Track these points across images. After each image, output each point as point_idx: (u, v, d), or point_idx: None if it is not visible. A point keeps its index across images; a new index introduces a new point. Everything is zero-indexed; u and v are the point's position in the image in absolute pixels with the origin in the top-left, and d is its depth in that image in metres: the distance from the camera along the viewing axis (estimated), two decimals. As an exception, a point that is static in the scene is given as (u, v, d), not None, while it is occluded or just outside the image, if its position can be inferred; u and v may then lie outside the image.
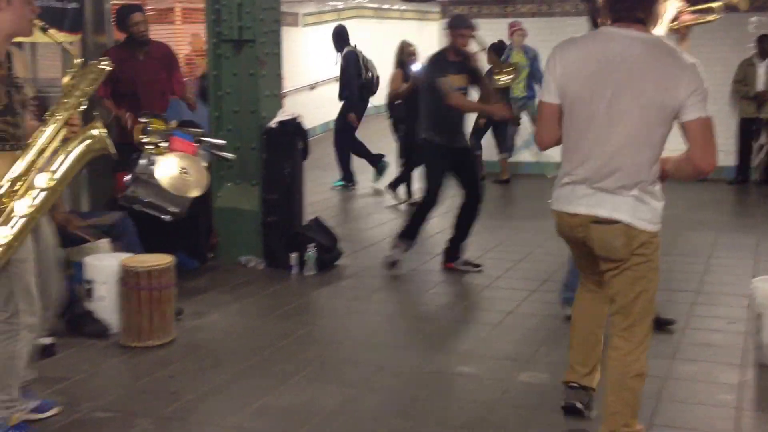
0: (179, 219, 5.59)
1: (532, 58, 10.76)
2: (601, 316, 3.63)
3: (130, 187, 5.40)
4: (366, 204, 9.56)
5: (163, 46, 6.57)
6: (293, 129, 6.65)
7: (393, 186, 9.45)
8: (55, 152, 3.36)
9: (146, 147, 5.47)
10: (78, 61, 3.50)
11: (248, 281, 6.20)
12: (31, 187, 3.30)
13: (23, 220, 3.27)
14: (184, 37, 10.97)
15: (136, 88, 6.05)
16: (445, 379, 4.35)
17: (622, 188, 3.14)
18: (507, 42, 10.91)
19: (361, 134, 10.32)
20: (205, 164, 5.67)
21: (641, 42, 3.09)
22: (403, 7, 17.48)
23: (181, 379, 4.31)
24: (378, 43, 17.76)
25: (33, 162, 3.32)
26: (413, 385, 4.27)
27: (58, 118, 3.38)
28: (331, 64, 11.14)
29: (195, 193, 5.40)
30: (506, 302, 5.64)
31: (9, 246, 3.26)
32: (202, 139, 5.96)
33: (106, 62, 3.54)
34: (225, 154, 6.19)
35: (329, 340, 5.02)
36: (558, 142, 3.35)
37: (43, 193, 3.31)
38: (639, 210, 3.13)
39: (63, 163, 3.36)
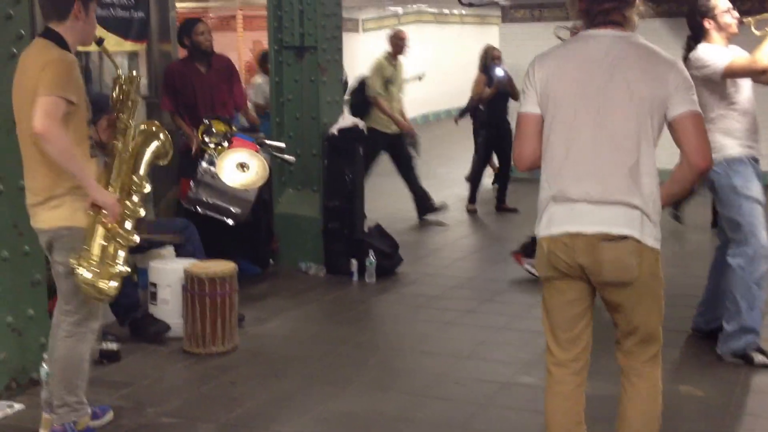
0: (241, 225, 5.65)
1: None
2: (580, 406, 3.08)
3: (192, 189, 5.49)
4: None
5: (224, 58, 6.66)
6: (354, 135, 6.67)
7: (473, 191, 9.42)
8: (135, 157, 3.64)
9: (208, 148, 5.56)
10: (119, 72, 3.69)
11: (309, 287, 6.23)
12: (129, 189, 3.57)
13: (132, 218, 3.56)
14: (245, 45, 11.10)
15: (197, 100, 6.14)
16: (506, 389, 4.31)
17: (629, 196, 2.79)
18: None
19: (436, 137, 10.32)
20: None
21: (621, 39, 2.88)
22: (464, 12, 17.43)
23: (243, 385, 4.35)
24: (438, 47, 17.77)
25: (120, 169, 3.58)
26: (474, 394, 4.24)
27: (125, 128, 3.62)
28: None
29: (257, 184, 5.47)
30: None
31: (127, 245, 3.53)
32: (264, 142, 6.03)
33: (135, 73, 3.76)
34: (286, 156, 6.25)
35: (390, 347, 5.01)
36: (538, 161, 2.96)
37: (137, 194, 3.60)
38: (646, 226, 2.81)
39: (142, 167, 3.65)
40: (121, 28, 6.11)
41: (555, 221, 2.88)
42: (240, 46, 10.85)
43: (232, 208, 5.52)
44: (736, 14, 4.54)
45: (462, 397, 4.20)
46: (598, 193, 2.80)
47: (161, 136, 3.74)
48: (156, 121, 3.89)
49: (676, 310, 5.61)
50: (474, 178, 9.43)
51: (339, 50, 6.87)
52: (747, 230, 4.42)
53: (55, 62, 3.34)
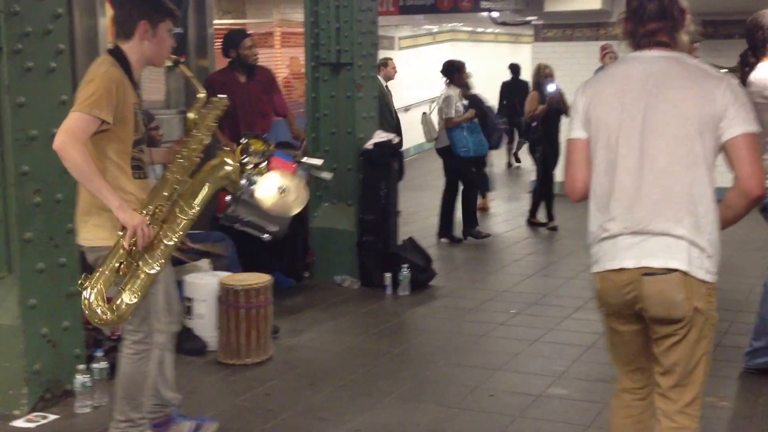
0: (277, 238, 5.71)
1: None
2: (649, 430, 2.90)
3: (230, 207, 5.55)
4: (460, 225, 9.55)
5: (265, 70, 6.75)
6: (389, 150, 6.73)
7: (532, 212, 9.45)
8: (194, 183, 3.50)
9: (246, 167, 5.62)
10: (202, 95, 3.60)
11: (343, 300, 6.28)
12: (175, 216, 3.42)
13: (170, 246, 3.41)
14: (282, 61, 11.22)
15: (236, 110, 6.22)
16: (539, 401, 4.31)
17: (675, 225, 2.59)
18: (599, 64, 10.82)
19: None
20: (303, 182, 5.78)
21: (664, 58, 2.71)
22: (497, 30, 17.47)
23: (277, 396, 4.39)
24: (472, 65, 17.81)
25: (172, 192, 3.44)
26: (507, 406, 4.24)
27: (189, 152, 3.51)
28: (426, 85, 11.18)
29: (295, 210, 5.51)
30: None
31: (158, 273, 3.39)
32: (301, 160, 6.09)
33: (224, 97, 3.68)
34: (323, 174, 6.31)
35: (424, 359, 5.03)
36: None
37: (186, 222, 3.44)
38: (695, 257, 2.60)
39: (200, 194, 3.49)
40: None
41: (602, 257, 2.72)
42: (277, 61, 10.98)
43: (269, 227, 5.58)
44: None
45: (495, 408, 4.21)
46: (640, 224, 2.63)
47: (229, 167, 3.59)
48: (256, 140, 3.77)
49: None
50: (536, 195, 9.40)
51: (375, 67, 6.97)
52: None
53: (95, 80, 3.27)
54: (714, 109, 2.60)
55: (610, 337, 2.86)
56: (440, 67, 9.04)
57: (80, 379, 4.10)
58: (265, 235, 5.58)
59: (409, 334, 5.70)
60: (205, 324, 5.02)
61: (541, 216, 9.34)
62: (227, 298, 4.84)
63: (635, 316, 2.72)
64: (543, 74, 9.27)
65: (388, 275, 6.42)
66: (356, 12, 6.66)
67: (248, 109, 6.28)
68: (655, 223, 2.61)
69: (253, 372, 4.73)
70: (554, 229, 9.09)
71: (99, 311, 3.29)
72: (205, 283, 5.06)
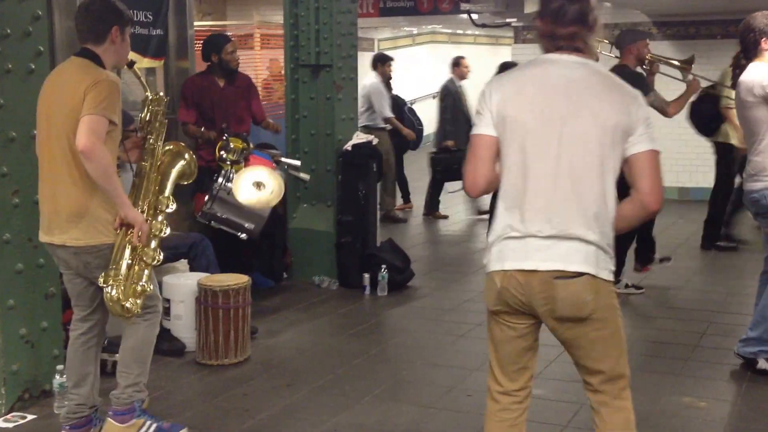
0: (255, 239, 5.72)
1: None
2: None
3: (207, 204, 5.56)
4: (438, 226, 9.59)
5: (244, 76, 6.75)
6: (368, 152, 6.76)
7: None
8: (161, 177, 3.75)
9: (225, 164, 5.65)
10: (148, 94, 3.78)
11: (322, 301, 6.30)
12: (160, 210, 3.69)
13: (161, 238, 3.69)
14: (262, 62, 11.23)
15: (214, 114, 6.23)
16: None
17: (586, 231, 2.64)
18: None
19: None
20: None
21: (583, 65, 2.73)
22: (477, 32, 17.54)
23: (255, 397, 4.40)
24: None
25: (148, 189, 3.68)
26: (485, 406, 4.24)
27: (153, 148, 3.73)
28: (406, 87, 11.21)
29: (272, 203, 5.53)
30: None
31: (152, 263, 3.64)
32: (280, 159, 6.11)
33: (162, 95, 3.86)
34: (302, 174, 6.33)
35: (402, 359, 5.06)
36: (491, 186, 2.79)
37: (163, 214, 3.72)
38: (601, 259, 2.68)
39: (168, 185, 3.76)
40: (140, 45, 6.21)
41: (509, 255, 2.71)
42: (257, 63, 10.98)
43: (246, 224, 5.59)
44: None
45: (473, 408, 4.24)
46: (554, 228, 2.65)
47: (186, 156, 3.85)
48: (181, 142, 3.99)
49: (686, 324, 5.68)
50: None
51: (354, 69, 6.97)
52: None
53: (103, 82, 3.41)
54: (628, 123, 2.65)
55: (499, 334, 2.84)
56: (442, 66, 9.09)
57: (59, 379, 4.09)
58: (242, 234, 5.59)
59: (387, 335, 5.73)
60: (183, 325, 5.02)
61: None
62: (205, 299, 4.85)
63: (529, 314, 2.76)
64: (686, 71, 8.99)
65: (366, 276, 6.45)
66: (336, 14, 6.68)
67: (226, 114, 6.28)
68: (567, 228, 2.64)
69: (231, 372, 4.74)
70: None
71: (128, 305, 3.52)
72: (183, 283, 5.07)
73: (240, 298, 4.87)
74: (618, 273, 6.24)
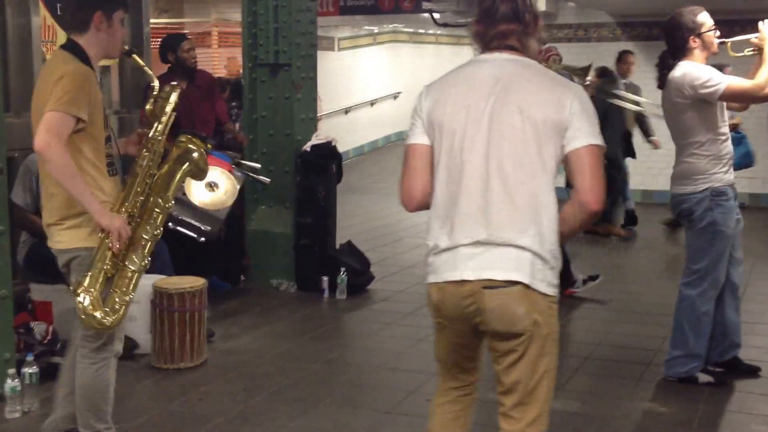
0: (212, 241, 5.63)
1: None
2: (468, 427, 2.85)
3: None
4: (399, 228, 9.55)
5: (206, 74, 6.65)
6: (327, 152, 6.69)
7: None
8: (165, 176, 3.47)
9: None
10: (155, 84, 3.53)
11: (280, 304, 6.22)
12: (152, 211, 3.39)
13: (151, 242, 3.39)
14: (220, 61, 11.11)
15: (178, 116, 6.11)
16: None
17: (519, 235, 2.46)
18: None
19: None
20: (238, 186, 5.71)
21: (513, 61, 2.60)
22: (439, 32, 17.55)
23: (211, 401, 4.32)
24: (413, 66, 17.86)
25: (144, 186, 3.39)
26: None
27: (154, 143, 3.46)
28: (367, 87, 11.15)
29: (227, 204, 5.45)
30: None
31: (146, 267, 3.39)
32: (240, 162, 6.02)
33: (176, 84, 3.62)
34: (261, 177, 6.25)
35: (360, 363, 5.00)
36: (429, 198, 2.61)
37: (162, 216, 3.43)
38: (538, 269, 2.47)
39: (171, 185, 3.49)
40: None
41: (440, 267, 2.56)
42: (215, 62, 10.86)
43: (202, 226, 5.49)
44: (717, 33, 4.41)
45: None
46: (484, 234, 2.48)
47: (195, 154, 3.57)
48: (193, 138, 3.66)
49: (648, 328, 5.69)
50: None
51: (314, 68, 6.91)
52: (710, 266, 4.40)
53: (68, 76, 3.19)
54: (561, 117, 2.49)
55: (442, 343, 2.74)
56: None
57: (10, 383, 3.99)
58: (201, 238, 5.49)
59: (346, 339, 5.67)
60: (138, 327, 4.91)
61: None
62: (161, 301, 4.75)
63: (468, 326, 2.59)
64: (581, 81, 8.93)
65: (325, 279, 6.38)
66: (295, 12, 6.62)
67: (189, 116, 6.17)
68: (499, 233, 2.48)
69: (187, 377, 4.64)
70: None
71: (99, 315, 3.25)
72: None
73: (196, 301, 4.78)
74: (568, 273, 6.23)
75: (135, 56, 3.60)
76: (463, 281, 2.50)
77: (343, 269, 6.37)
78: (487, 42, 2.65)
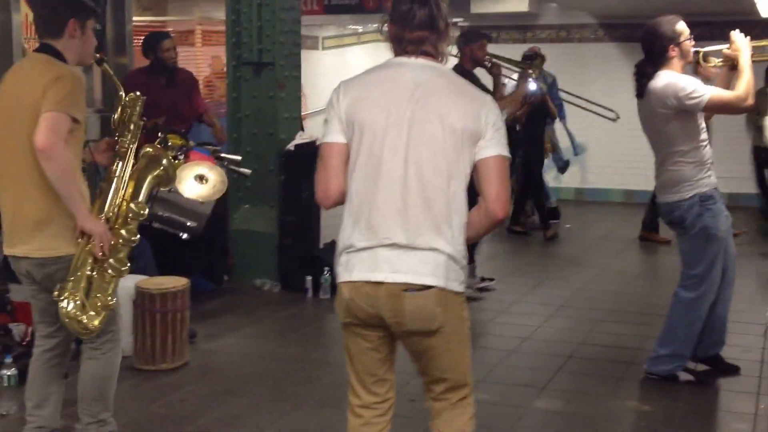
0: (195, 240, 5.60)
1: (550, 83, 10.75)
2: None
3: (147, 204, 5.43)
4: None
5: (185, 72, 6.63)
6: (312, 151, 6.65)
7: (514, 218, 9.02)
8: (135, 183, 3.48)
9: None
10: (122, 94, 3.51)
11: (263, 304, 6.20)
12: (126, 217, 3.39)
13: (128, 248, 3.40)
14: (204, 59, 11.05)
15: (156, 112, 6.09)
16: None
17: (436, 238, 2.55)
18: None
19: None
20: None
21: (432, 68, 2.66)
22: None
23: (193, 403, 4.29)
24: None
25: (117, 194, 3.40)
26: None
27: (126, 151, 3.45)
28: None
29: (215, 196, 5.44)
30: (522, 328, 5.61)
31: (126, 272, 3.40)
32: (220, 155, 6.00)
33: (138, 95, 3.60)
34: (242, 169, 6.22)
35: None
36: (344, 196, 2.67)
37: (136, 223, 3.43)
38: (452, 271, 2.59)
39: (143, 192, 3.49)
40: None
41: (356, 266, 2.60)
42: (198, 60, 10.79)
43: (187, 222, 5.47)
44: (693, 43, 4.41)
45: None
46: (403, 237, 2.55)
47: (164, 161, 3.57)
48: (160, 146, 3.71)
49: (630, 327, 5.71)
50: (517, 203, 9.03)
51: (298, 67, 6.89)
52: (705, 270, 4.42)
53: (66, 78, 3.18)
54: (477, 127, 2.59)
55: (353, 347, 2.76)
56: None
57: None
58: (184, 234, 5.47)
59: (330, 339, 5.65)
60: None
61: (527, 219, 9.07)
62: (143, 302, 4.72)
63: (380, 326, 2.66)
64: (525, 73, 8.54)
65: (309, 278, 6.36)
66: (279, 11, 6.59)
67: (169, 113, 6.15)
68: (416, 236, 2.55)
69: (169, 378, 4.62)
70: (525, 233, 8.93)
71: (85, 320, 3.25)
72: (120, 286, 4.90)
73: (178, 301, 4.76)
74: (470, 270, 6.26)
75: (105, 66, 3.62)
76: (382, 283, 2.57)
77: (327, 269, 6.34)
78: (403, 46, 2.69)
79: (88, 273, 3.26)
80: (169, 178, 3.65)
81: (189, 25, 11.02)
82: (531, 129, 8.75)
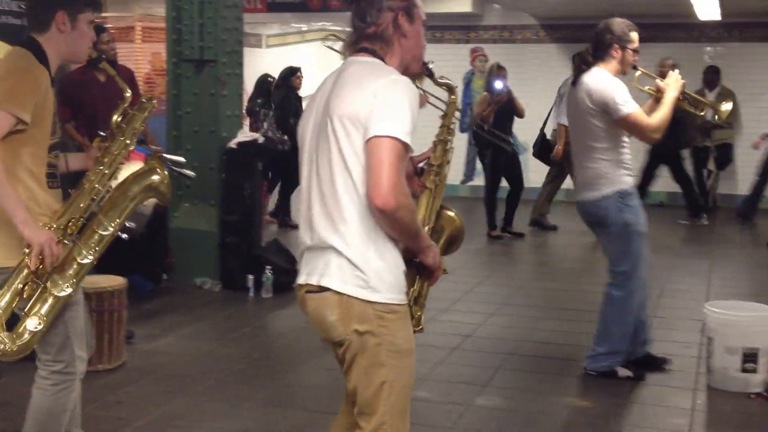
0: (134, 239, 5.50)
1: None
2: None
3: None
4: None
5: (126, 70, 6.52)
6: (253, 150, 6.61)
7: (489, 217, 8.99)
8: (116, 196, 3.19)
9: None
10: (128, 95, 3.30)
11: (204, 303, 6.13)
12: (93, 231, 3.07)
13: (85, 266, 3.05)
14: (144, 56, 10.90)
15: (96, 110, 5.98)
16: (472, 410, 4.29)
17: (331, 238, 2.39)
18: (469, 67, 11.03)
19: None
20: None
21: (359, 63, 2.51)
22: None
23: (130, 404, 4.22)
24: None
25: (90, 203, 3.09)
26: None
27: (111, 158, 3.22)
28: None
29: (153, 200, 5.34)
30: (464, 326, 5.63)
31: (70, 296, 3.01)
32: (163, 156, 5.89)
33: (153, 98, 3.38)
34: (185, 171, 6.11)
35: (286, 363, 4.96)
36: None
37: (106, 238, 3.13)
38: (349, 273, 2.37)
39: (123, 207, 3.19)
40: (12, 36, 5.86)
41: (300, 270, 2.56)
42: (138, 57, 10.64)
43: (126, 222, 5.36)
44: (636, 58, 4.50)
45: None
46: (309, 239, 2.47)
47: (155, 177, 3.31)
48: (155, 162, 3.37)
49: (566, 324, 5.77)
50: (488, 203, 8.94)
51: (240, 65, 6.83)
52: (632, 266, 4.49)
53: (17, 72, 2.91)
54: (357, 112, 2.36)
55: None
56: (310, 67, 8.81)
57: None
58: (123, 234, 5.36)
59: (272, 338, 5.62)
60: (55, 329, 4.77)
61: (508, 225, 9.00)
62: (78, 302, 4.62)
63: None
64: (495, 73, 8.65)
65: (250, 277, 6.31)
66: (221, 8, 6.53)
67: (107, 110, 6.01)
68: (317, 236, 2.44)
69: (105, 379, 4.53)
70: (520, 235, 8.90)
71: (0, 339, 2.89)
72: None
73: (115, 300, 4.68)
74: None
75: (105, 64, 3.38)
76: (299, 285, 2.52)
77: (269, 268, 6.30)
78: (353, 45, 2.59)
79: (20, 287, 2.91)
80: (161, 195, 3.37)
81: (128, 21, 10.86)
82: (499, 129, 8.65)
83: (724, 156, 10.77)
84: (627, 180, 4.47)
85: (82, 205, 3.07)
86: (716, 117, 8.34)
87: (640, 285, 4.54)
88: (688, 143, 10.02)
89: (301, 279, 2.51)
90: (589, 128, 4.45)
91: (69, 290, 2.96)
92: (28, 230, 2.85)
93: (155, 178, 3.28)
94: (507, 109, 8.66)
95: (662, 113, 4.41)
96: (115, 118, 3.25)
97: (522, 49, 11.77)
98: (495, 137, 8.62)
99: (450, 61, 11.95)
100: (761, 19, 11.00)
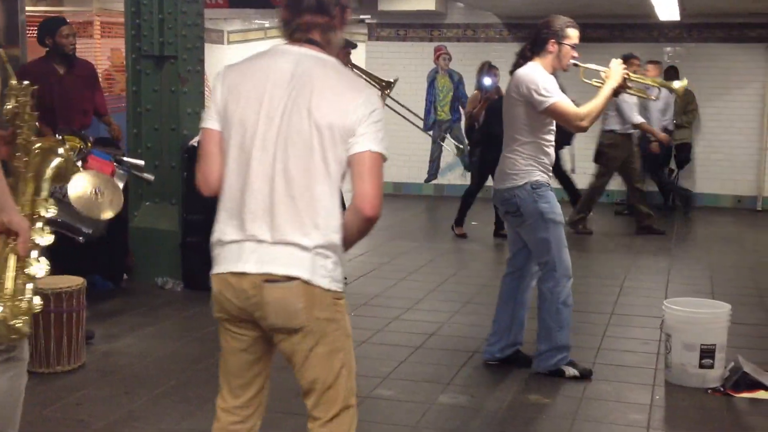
0: (92, 240, 5.42)
1: (457, 81, 10.87)
2: None
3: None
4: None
5: (87, 64, 6.45)
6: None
7: (459, 221, 8.85)
8: (35, 178, 3.11)
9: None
10: (14, 82, 3.18)
11: (165, 303, 6.06)
12: (37, 215, 3.04)
13: (41, 247, 3.02)
14: (103, 52, 10.75)
15: (54, 104, 5.88)
16: (365, 403, 4.28)
17: (299, 237, 2.47)
18: (433, 65, 11.05)
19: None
20: (121, 184, 5.51)
21: (313, 59, 2.53)
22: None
23: (90, 406, 4.16)
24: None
25: (24, 191, 3.05)
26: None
27: (26, 144, 3.11)
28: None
29: (108, 215, 5.24)
30: (428, 325, 5.63)
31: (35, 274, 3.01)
32: (122, 159, 5.82)
33: (27, 84, 3.35)
34: (145, 175, 6.05)
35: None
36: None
37: (44, 221, 3.06)
38: (319, 265, 2.48)
39: (44, 188, 3.12)
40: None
41: (225, 258, 2.56)
42: (97, 53, 10.49)
43: (83, 228, 5.28)
44: (576, 54, 4.53)
45: None
46: (268, 236, 2.48)
47: (61, 151, 3.21)
48: (55, 137, 3.36)
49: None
50: (465, 200, 8.80)
51: (201, 61, 6.75)
52: (555, 254, 4.51)
53: None
54: (345, 123, 2.46)
55: (224, 344, 2.68)
56: None
57: None
58: (80, 238, 5.29)
59: (234, 337, 5.56)
60: (12, 330, 4.69)
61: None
62: (36, 302, 4.54)
63: (252, 323, 2.58)
64: (485, 71, 8.60)
65: (212, 276, 6.24)
66: (181, 3, 6.45)
67: (67, 104, 5.94)
68: (281, 235, 2.47)
69: (64, 380, 4.46)
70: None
71: (18, 324, 2.89)
72: (11, 285, 4.73)
73: (74, 301, 4.61)
74: None
75: (1, 51, 3.39)
76: (245, 273, 2.51)
77: (231, 267, 6.24)
78: (290, 32, 2.57)
79: (13, 275, 2.92)
80: (68, 170, 3.29)
81: (87, 16, 10.71)
82: (490, 127, 8.17)
83: (683, 155, 10.93)
84: (541, 175, 4.51)
85: (24, 192, 3.05)
86: (675, 98, 8.42)
87: (566, 274, 4.56)
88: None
89: (248, 267, 2.49)
90: (514, 118, 4.53)
91: (47, 269, 2.98)
92: (16, 217, 2.84)
93: (59, 158, 3.18)
94: (497, 107, 8.55)
95: (593, 103, 4.48)
96: (9, 106, 3.17)
97: (485, 47, 11.80)
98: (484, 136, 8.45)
99: (414, 60, 11.98)
100: (720, 20, 11.15)
